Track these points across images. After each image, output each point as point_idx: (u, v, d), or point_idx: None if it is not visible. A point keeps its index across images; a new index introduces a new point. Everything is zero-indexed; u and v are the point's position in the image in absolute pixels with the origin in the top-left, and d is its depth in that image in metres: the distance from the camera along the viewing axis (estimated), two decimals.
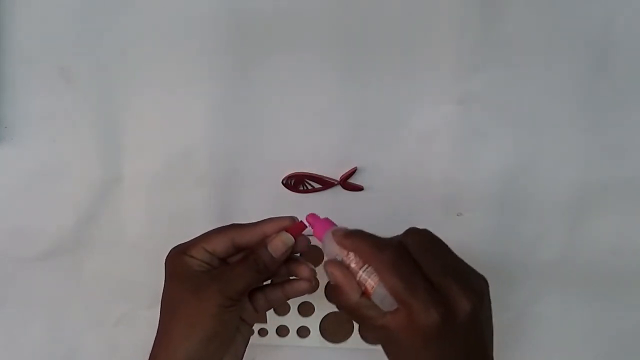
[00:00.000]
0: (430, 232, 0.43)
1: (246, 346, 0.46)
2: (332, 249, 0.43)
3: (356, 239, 0.42)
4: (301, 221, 0.45)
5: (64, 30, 0.54)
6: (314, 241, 0.46)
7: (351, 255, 0.42)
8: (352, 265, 0.41)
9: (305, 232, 0.45)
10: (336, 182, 0.55)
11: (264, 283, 0.46)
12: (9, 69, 0.54)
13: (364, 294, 0.41)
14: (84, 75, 0.54)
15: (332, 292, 0.43)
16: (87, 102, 0.55)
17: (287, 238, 0.44)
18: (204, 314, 0.41)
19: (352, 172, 0.55)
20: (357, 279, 0.41)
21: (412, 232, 0.42)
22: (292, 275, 0.46)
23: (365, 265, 0.41)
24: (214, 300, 0.41)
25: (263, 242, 0.43)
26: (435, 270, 0.40)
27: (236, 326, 0.44)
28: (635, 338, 0.58)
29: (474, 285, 0.40)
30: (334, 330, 0.58)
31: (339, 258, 0.42)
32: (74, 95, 0.55)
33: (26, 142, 0.55)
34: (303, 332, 0.58)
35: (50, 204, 0.56)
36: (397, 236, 0.42)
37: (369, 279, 0.41)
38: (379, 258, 0.40)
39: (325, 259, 0.44)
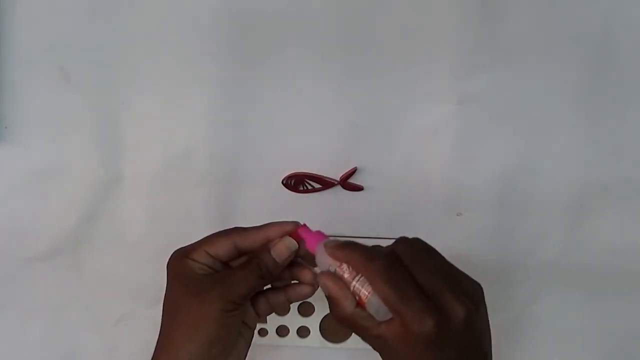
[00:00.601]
0: (422, 240, 0.42)
1: (248, 349, 0.45)
2: (324, 261, 0.42)
3: (348, 250, 0.42)
4: (304, 224, 0.44)
5: (64, 30, 0.54)
6: None
7: (344, 266, 0.41)
8: (346, 276, 0.41)
9: None
10: (336, 182, 0.55)
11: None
12: (9, 69, 0.54)
13: (359, 304, 0.41)
14: (84, 75, 0.54)
15: (328, 303, 0.43)
16: (87, 102, 0.55)
17: (291, 243, 0.43)
18: (206, 318, 0.41)
19: (352, 172, 0.55)
20: (351, 289, 0.41)
21: (403, 240, 0.42)
22: (293, 279, 0.46)
23: (359, 276, 0.41)
24: (216, 304, 0.41)
25: (266, 246, 0.43)
26: (428, 278, 0.39)
27: (238, 330, 0.43)
28: (635, 338, 0.58)
29: (468, 291, 0.40)
30: (334, 330, 0.58)
31: (332, 270, 0.42)
32: (74, 95, 0.55)
33: (26, 142, 0.55)
34: (303, 332, 0.58)
35: (50, 204, 0.56)
36: (389, 246, 0.42)
37: (363, 289, 0.40)
38: (371, 268, 0.40)
39: (318, 271, 0.43)
